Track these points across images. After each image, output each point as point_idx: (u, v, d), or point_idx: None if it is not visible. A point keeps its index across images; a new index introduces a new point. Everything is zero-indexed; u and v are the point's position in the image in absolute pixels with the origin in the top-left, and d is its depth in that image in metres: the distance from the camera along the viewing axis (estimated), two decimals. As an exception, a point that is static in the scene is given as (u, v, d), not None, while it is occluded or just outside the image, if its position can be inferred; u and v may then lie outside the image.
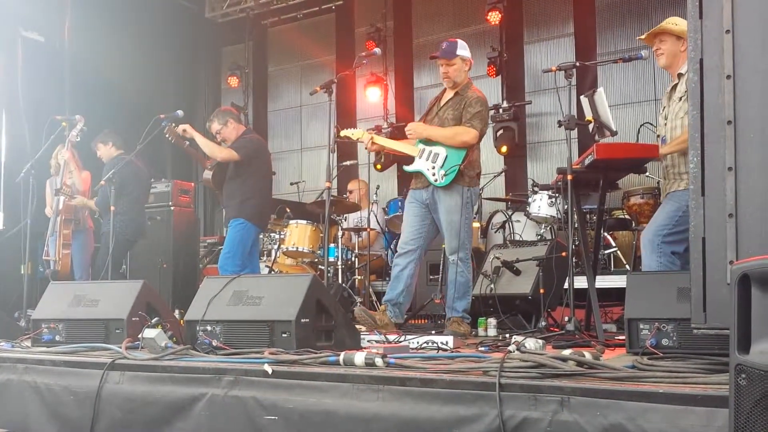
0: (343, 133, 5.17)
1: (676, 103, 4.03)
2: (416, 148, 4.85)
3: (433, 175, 4.74)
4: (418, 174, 4.86)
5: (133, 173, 6.26)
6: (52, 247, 6.18)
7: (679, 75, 4.03)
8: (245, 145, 5.73)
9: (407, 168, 4.93)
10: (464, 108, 4.78)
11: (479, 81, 9.39)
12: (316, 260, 7.06)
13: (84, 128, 6.20)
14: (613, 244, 7.14)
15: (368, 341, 3.82)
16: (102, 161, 6.45)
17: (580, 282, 4.50)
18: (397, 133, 8.15)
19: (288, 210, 7.45)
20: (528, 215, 7.12)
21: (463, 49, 4.87)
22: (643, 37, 4.22)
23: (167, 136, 5.66)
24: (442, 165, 4.71)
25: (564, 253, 4.95)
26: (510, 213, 7.52)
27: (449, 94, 4.93)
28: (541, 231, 7.14)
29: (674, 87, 4.11)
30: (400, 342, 3.72)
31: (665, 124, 4.13)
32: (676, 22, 4.08)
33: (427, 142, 4.81)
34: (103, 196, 6.04)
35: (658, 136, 4.24)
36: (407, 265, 4.82)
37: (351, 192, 8.05)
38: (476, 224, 7.73)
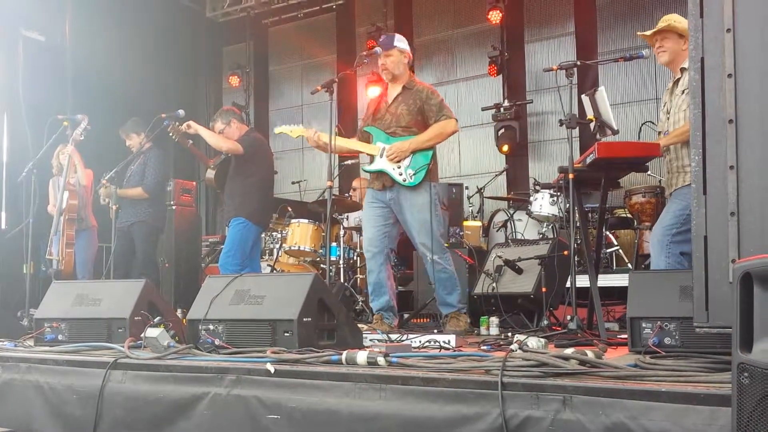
0: (278, 129, 5.13)
1: (679, 97, 4.04)
2: (375, 146, 4.78)
3: (401, 174, 4.68)
4: (379, 173, 4.79)
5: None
6: (55, 246, 6.19)
7: (682, 69, 4.04)
8: (248, 140, 5.74)
9: (367, 168, 4.87)
10: (423, 102, 4.75)
11: (480, 80, 9.42)
12: (318, 259, 7.06)
13: (88, 127, 6.20)
14: (615, 242, 7.14)
15: (370, 340, 3.82)
16: (127, 150, 6.46)
17: (582, 281, 4.50)
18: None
19: (290, 209, 7.45)
20: (530, 214, 7.12)
21: (400, 42, 4.88)
22: (647, 33, 4.21)
23: (171, 135, 5.67)
24: (410, 164, 4.66)
25: (566, 252, 4.95)
26: (512, 212, 7.53)
27: (395, 90, 4.88)
28: (543, 230, 7.15)
29: (676, 82, 4.11)
30: (402, 341, 3.73)
31: (667, 119, 4.14)
32: (677, 20, 4.09)
33: (388, 139, 4.75)
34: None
35: (660, 132, 4.24)
36: (379, 268, 4.77)
37: (355, 189, 8.05)
38: (477, 223, 7.74)
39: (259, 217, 5.76)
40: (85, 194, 6.57)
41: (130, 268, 6.30)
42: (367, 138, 4.90)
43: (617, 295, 5.73)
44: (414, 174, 4.64)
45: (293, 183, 9.39)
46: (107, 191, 6.20)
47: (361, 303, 6.68)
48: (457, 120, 4.79)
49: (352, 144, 4.95)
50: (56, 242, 6.20)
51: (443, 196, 4.89)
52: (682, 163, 3.97)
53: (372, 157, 4.81)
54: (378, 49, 5.62)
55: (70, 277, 6.14)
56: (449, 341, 3.58)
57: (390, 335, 4.01)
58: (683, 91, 4.00)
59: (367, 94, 9.91)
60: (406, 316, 5.93)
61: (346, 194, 8.10)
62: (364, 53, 5.22)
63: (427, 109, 4.74)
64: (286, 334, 3.20)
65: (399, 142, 4.71)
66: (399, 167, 4.68)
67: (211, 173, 5.95)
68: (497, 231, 7.50)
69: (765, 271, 1.76)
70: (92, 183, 6.63)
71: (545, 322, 4.69)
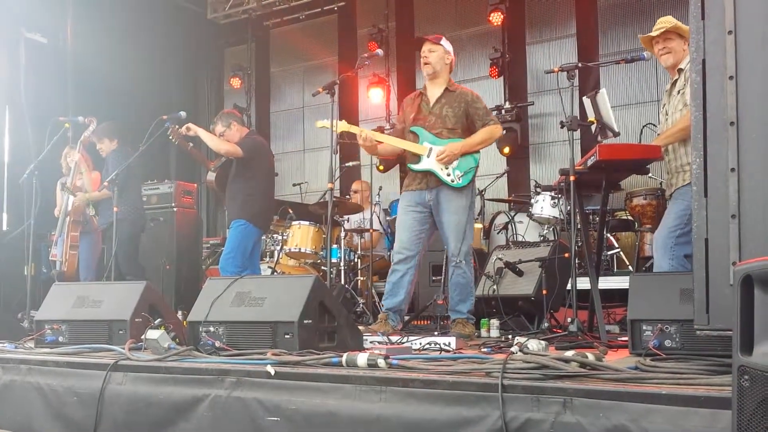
0: (341, 128, 4.83)
1: (675, 97, 4.05)
2: (423, 146, 4.76)
3: (449, 175, 4.68)
4: (422, 174, 4.78)
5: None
6: (59, 247, 6.19)
7: (679, 70, 4.05)
8: (248, 143, 5.74)
9: (415, 167, 4.78)
10: (469, 106, 4.77)
11: (481, 82, 9.42)
12: (319, 261, 7.06)
13: None
14: (616, 245, 7.14)
15: (371, 342, 3.82)
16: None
17: (583, 283, 4.50)
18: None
19: (290, 211, 7.46)
20: (531, 216, 7.12)
21: (447, 44, 4.90)
22: (655, 34, 4.19)
23: (171, 138, 5.66)
24: (457, 165, 4.69)
25: (567, 254, 4.95)
26: (513, 214, 7.53)
27: (437, 90, 4.86)
28: (544, 232, 7.14)
29: (674, 83, 4.12)
30: (403, 343, 3.73)
31: (666, 120, 4.14)
32: (678, 21, 4.10)
33: (435, 140, 4.76)
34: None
35: (659, 133, 4.24)
36: (407, 271, 4.73)
37: (355, 192, 8.05)
38: (479, 225, 7.74)
39: (259, 219, 5.77)
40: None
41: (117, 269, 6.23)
42: (412, 138, 4.85)
43: (618, 297, 5.73)
44: (462, 175, 4.68)
45: (294, 185, 9.39)
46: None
47: (361, 305, 6.68)
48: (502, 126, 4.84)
49: (398, 142, 4.87)
50: (61, 244, 6.20)
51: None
52: (680, 162, 3.97)
53: (419, 157, 4.77)
54: (379, 51, 5.63)
55: (74, 279, 6.15)
56: (449, 343, 3.58)
57: (390, 337, 4.01)
58: (679, 92, 4.00)
59: (369, 95, 9.93)
60: (407, 318, 5.93)
61: (347, 196, 8.10)
62: (366, 55, 5.23)
63: (472, 113, 4.77)
64: (286, 336, 3.20)
65: (451, 144, 4.70)
66: (447, 168, 4.70)
67: (212, 176, 5.95)
68: (498, 233, 7.50)
69: (766, 273, 1.76)
70: (99, 185, 6.61)
71: (546, 324, 4.69)
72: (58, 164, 6.73)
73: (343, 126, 4.81)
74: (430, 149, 4.75)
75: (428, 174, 4.75)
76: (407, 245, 4.76)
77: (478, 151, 4.79)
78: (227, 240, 5.78)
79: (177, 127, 5.63)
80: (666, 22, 4.13)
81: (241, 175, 5.72)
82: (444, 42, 4.87)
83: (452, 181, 4.68)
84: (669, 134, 3.98)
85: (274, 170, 6.32)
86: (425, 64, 4.85)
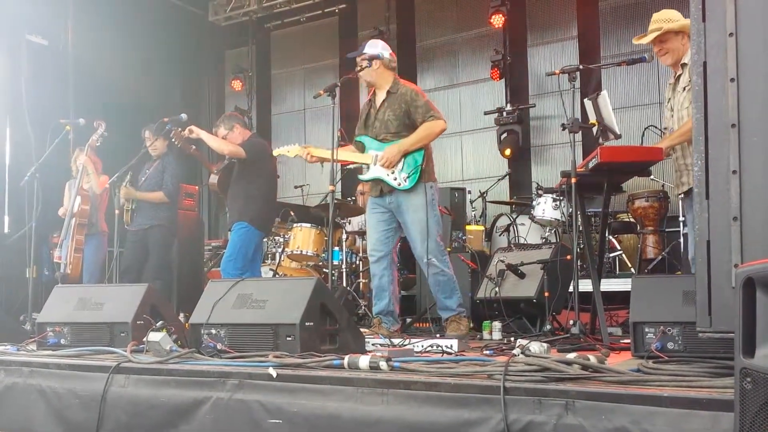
0: (276, 152, 5.10)
1: (681, 94, 4.02)
2: (368, 155, 4.77)
3: (395, 179, 4.67)
4: (376, 180, 4.78)
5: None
6: (64, 249, 6.20)
7: (683, 65, 4.02)
8: (251, 145, 5.74)
9: (363, 177, 4.85)
10: (409, 105, 4.71)
11: (483, 84, 9.43)
12: (321, 263, 7.06)
13: (105, 133, 6.28)
14: (618, 247, 7.13)
15: (373, 345, 3.82)
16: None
17: (585, 285, 4.50)
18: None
19: (292, 213, 7.46)
20: (532, 218, 7.12)
21: (371, 48, 4.85)
22: (644, 41, 4.19)
23: (173, 140, 5.67)
24: (402, 168, 4.66)
25: (568, 257, 4.95)
26: (514, 216, 7.53)
27: (381, 95, 4.87)
28: (546, 234, 7.14)
29: (678, 78, 4.09)
30: (405, 345, 3.72)
31: (671, 116, 4.12)
32: (670, 18, 4.04)
33: (379, 146, 4.75)
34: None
35: (665, 128, 4.22)
36: (383, 272, 4.77)
37: (363, 194, 8.05)
38: (480, 227, 7.74)
39: (261, 221, 5.76)
40: (97, 200, 6.58)
41: (142, 272, 6.28)
42: (360, 147, 4.88)
43: (620, 299, 5.72)
44: (408, 177, 4.64)
45: (296, 187, 9.40)
46: (128, 192, 6.20)
47: (363, 307, 6.68)
48: (445, 120, 4.75)
49: (346, 155, 4.92)
50: (65, 246, 6.21)
51: (437, 197, 4.84)
52: (687, 161, 3.96)
53: (367, 166, 4.80)
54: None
55: (77, 281, 6.16)
56: (451, 346, 3.58)
57: (392, 339, 4.01)
58: (684, 88, 3.98)
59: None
60: (408, 320, 5.92)
61: (349, 198, 8.10)
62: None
63: (413, 111, 4.71)
64: (288, 339, 3.20)
65: (388, 147, 4.69)
66: (393, 172, 4.67)
67: (214, 178, 5.95)
68: (500, 235, 7.50)
69: (767, 276, 1.75)
70: (107, 189, 6.62)
71: (548, 326, 4.69)
72: (60, 166, 6.74)
73: (294, 150, 4.96)
74: (375, 156, 4.75)
75: (380, 181, 4.76)
76: (376, 245, 4.82)
77: (420, 149, 4.68)
78: (229, 243, 5.78)
79: (180, 129, 5.64)
80: (658, 22, 4.08)
81: (243, 178, 5.72)
82: (367, 49, 4.83)
83: (399, 185, 4.67)
84: (676, 135, 3.96)
85: (277, 173, 6.32)
86: (362, 81, 4.94)
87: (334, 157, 4.63)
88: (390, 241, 4.83)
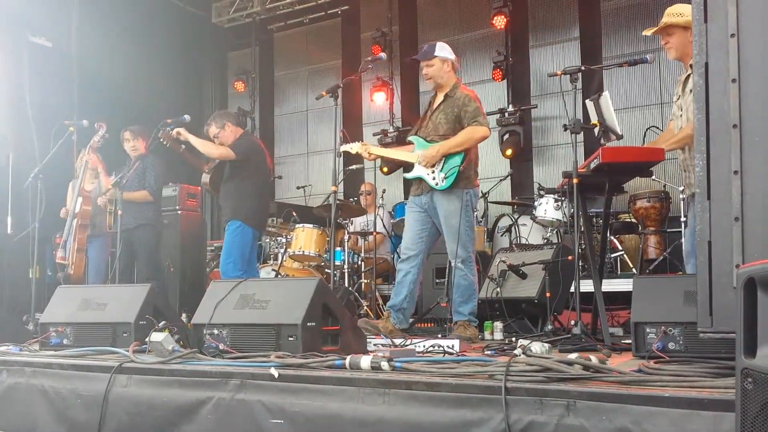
0: (342, 148, 5.09)
1: (689, 96, 4.00)
2: (414, 154, 4.83)
3: (434, 179, 4.72)
4: (418, 180, 4.84)
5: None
6: (67, 250, 6.21)
7: (692, 65, 4.00)
8: (241, 144, 5.72)
9: (407, 175, 4.91)
10: (460, 109, 4.75)
11: (485, 85, 9.42)
12: (323, 264, 7.07)
13: (106, 135, 6.27)
14: (620, 247, 7.13)
15: (374, 345, 3.82)
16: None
17: (587, 286, 4.50)
18: (404, 138, 8.17)
19: (294, 214, 7.46)
20: (534, 219, 7.12)
21: (441, 50, 4.86)
22: (649, 33, 4.18)
23: (162, 140, 5.64)
24: (442, 168, 4.70)
25: (570, 257, 4.95)
26: (516, 216, 7.53)
27: (439, 98, 4.91)
28: (547, 234, 7.14)
29: (688, 77, 4.07)
30: (406, 346, 3.73)
31: (681, 116, 4.11)
32: (680, 12, 4.00)
33: (425, 147, 4.79)
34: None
35: (671, 120, 4.21)
36: (410, 270, 4.81)
37: (368, 194, 8.06)
38: (482, 228, 7.73)
39: (254, 219, 5.71)
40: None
41: (133, 272, 6.29)
42: (411, 147, 4.94)
43: (621, 300, 5.72)
44: (445, 177, 4.68)
45: (298, 188, 9.40)
46: (112, 194, 6.19)
47: (365, 308, 6.68)
48: (489, 128, 4.80)
49: (391, 153, 5.05)
50: (68, 246, 6.22)
51: (475, 204, 4.90)
52: (693, 162, 3.96)
53: (412, 165, 4.84)
54: (383, 54, 5.64)
55: (80, 282, 6.16)
56: (453, 346, 3.58)
57: (394, 340, 4.01)
58: (691, 90, 3.96)
59: (372, 99, 9.95)
60: (410, 320, 5.92)
61: (351, 199, 8.10)
62: (369, 59, 5.25)
63: (463, 116, 4.75)
64: (290, 339, 3.20)
65: (430, 147, 4.75)
66: (432, 172, 4.73)
67: (206, 177, 5.93)
68: (501, 236, 7.50)
69: (768, 276, 1.76)
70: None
71: (549, 327, 4.69)
72: (63, 168, 6.76)
73: (356, 147, 4.95)
74: (419, 155, 4.79)
75: (421, 180, 4.82)
76: (409, 244, 4.86)
77: (461, 152, 4.72)
78: (224, 242, 5.73)
79: (169, 130, 5.62)
80: (668, 15, 4.03)
81: (235, 176, 5.69)
82: (438, 51, 4.84)
83: (436, 184, 4.72)
84: (680, 138, 3.96)
85: (270, 170, 6.28)
86: (427, 79, 4.91)
87: (337, 154, 4.64)
88: (423, 241, 4.86)
